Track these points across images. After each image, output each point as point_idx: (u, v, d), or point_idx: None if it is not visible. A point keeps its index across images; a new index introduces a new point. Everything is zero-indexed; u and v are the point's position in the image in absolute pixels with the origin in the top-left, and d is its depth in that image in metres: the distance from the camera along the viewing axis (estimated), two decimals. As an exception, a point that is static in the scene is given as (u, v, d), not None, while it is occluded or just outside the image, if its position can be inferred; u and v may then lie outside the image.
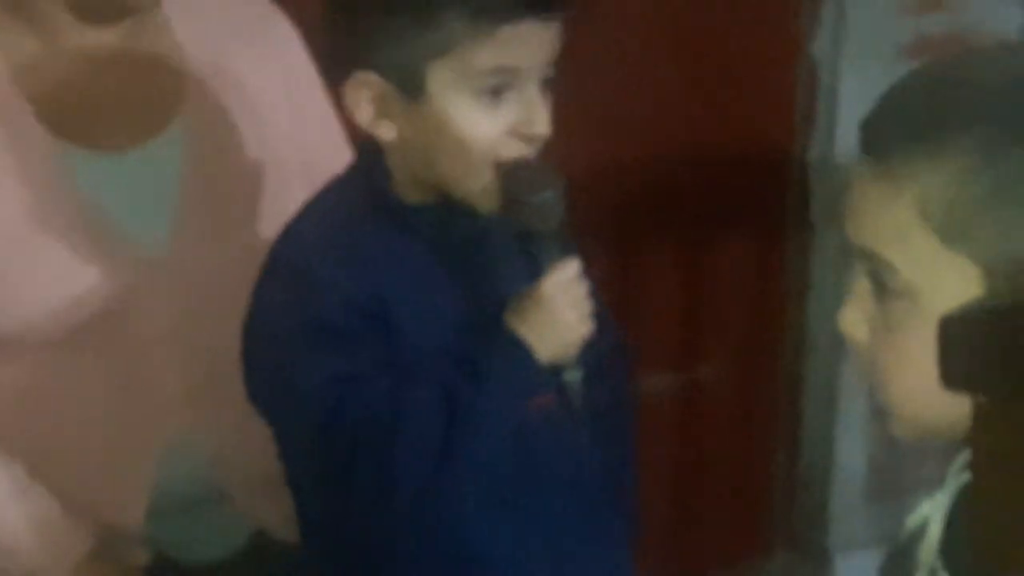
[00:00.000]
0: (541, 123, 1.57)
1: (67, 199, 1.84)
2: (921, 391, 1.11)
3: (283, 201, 1.89)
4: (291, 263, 1.64)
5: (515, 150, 1.57)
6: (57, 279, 1.83)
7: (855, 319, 1.22)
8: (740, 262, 2.92)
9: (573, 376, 1.59)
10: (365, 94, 1.58)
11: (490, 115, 1.56)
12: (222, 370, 1.80)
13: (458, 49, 1.54)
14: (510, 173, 1.57)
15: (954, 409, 1.01)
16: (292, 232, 1.67)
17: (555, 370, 1.59)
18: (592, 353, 1.61)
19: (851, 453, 2.99)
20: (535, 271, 1.59)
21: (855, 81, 2.80)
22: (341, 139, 2.01)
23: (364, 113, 1.59)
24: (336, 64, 1.62)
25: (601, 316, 1.62)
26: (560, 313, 1.57)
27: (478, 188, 1.58)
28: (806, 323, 2.96)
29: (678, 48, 2.77)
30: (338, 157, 1.96)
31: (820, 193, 2.88)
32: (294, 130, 1.97)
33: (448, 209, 1.62)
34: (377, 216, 1.62)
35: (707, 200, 2.84)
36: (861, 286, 1.21)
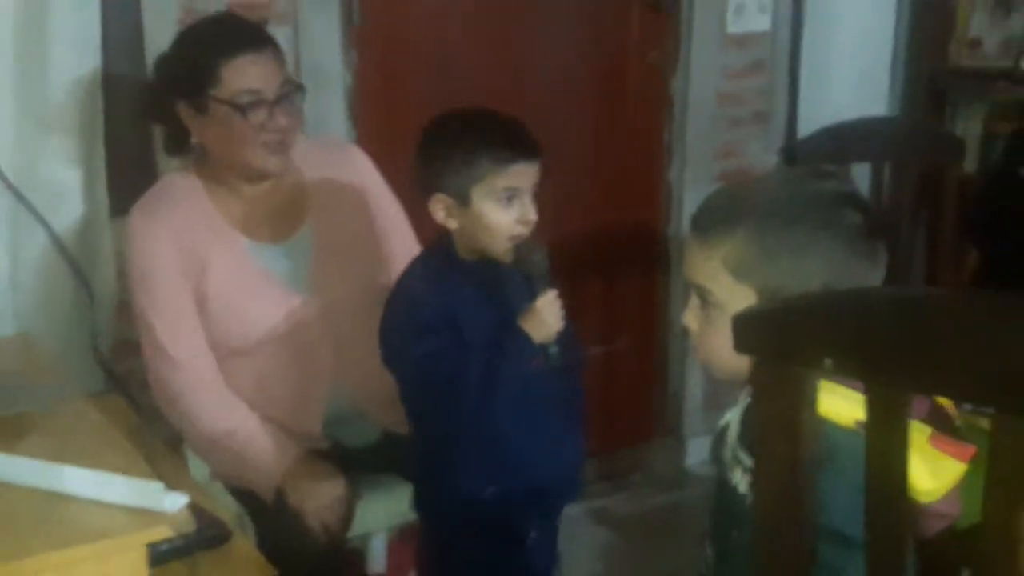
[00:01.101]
0: (532, 215, 1.59)
1: (257, 272, 1.83)
2: (725, 355, 1.10)
3: (367, 260, 1.91)
4: (406, 291, 1.66)
5: (519, 230, 1.59)
6: (255, 315, 1.82)
7: (690, 318, 1.24)
8: (633, 289, 2.85)
9: (553, 350, 1.61)
10: (439, 205, 1.60)
11: (505, 213, 1.58)
12: (353, 350, 1.84)
13: (487, 178, 1.57)
14: (519, 246, 1.60)
15: (742, 364, 0.99)
16: (405, 275, 1.70)
17: (543, 347, 1.60)
18: (562, 337, 1.62)
19: (694, 386, 2.93)
20: (532, 295, 1.60)
21: (690, 195, 2.75)
22: (402, 219, 1.97)
23: (439, 215, 1.61)
24: (423, 189, 1.62)
25: (565, 318, 1.63)
26: (547, 318, 1.59)
27: (501, 251, 1.60)
28: (669, 320, 2.88)
29: (596, 178, 2.72)
30: (398, 232, 1.96)
31: (674, 252, 2.81)
32: (371, 219, 1.93)
33: (486, 263, 1.63)
34: (449, 267, 1.64)
35: (615, 256, 2.79)
36: (693, 301, 1.24)
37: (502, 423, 1.63)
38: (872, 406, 0.89)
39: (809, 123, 2.80)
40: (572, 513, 1.90)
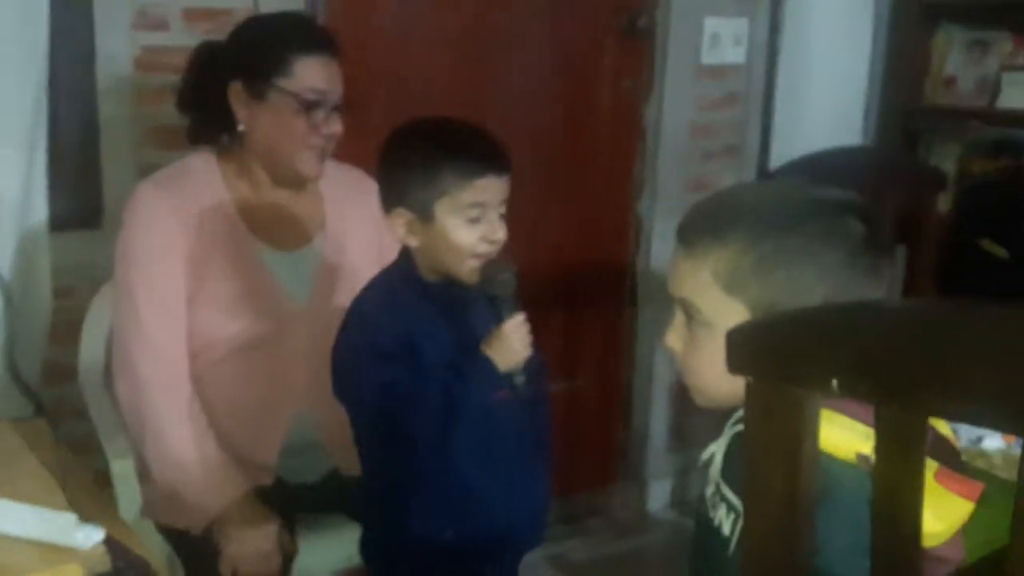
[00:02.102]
0: (500, 234, 1.52)
1: (261, 275, 1.80)
2: (714, 377, 1.05)
3: (366, 279, 1.86)
4: (362, 314, 1.56)
5: (484, 250, 1.51)
6: (251, 315, 1.78)
7: (674, 338, 1.16)
8: (599, 319, 2.82)
9: (519, 379, 1.52)
10: (400, 221, 1.52)
11: (470, 230, 1.50)
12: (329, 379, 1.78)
13: (451, 192, 1.48)
14: (486, 264, 1.51)
15: (733, 386, 0.91)
16: (362, 297, 1.60)
17: (509, 376, 1.51)
18: (529, 366, 1.53)
19: (659, 426, 2.90)
20: (498, 319, 1.52)
21: (661, 227, 2.72)
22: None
23: (399, 231, 1.53)
24: (385, 203, 1.54)
25: (533, 345, 1.53)
26: (513, 343, 1.51)
27: (466, 271, 1.52)
28: (634, 357, 2.83)
29: (563, 206, 2.72)
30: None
31: (641, 284, 2.76)
32: (378, 251, 1.86)
33: (449, 284, 1.54)
34: (409, 288, 1.55)
35: (580, 289, 2.77)
36: (678, 318, 1.15)
37: (462, 459, 1.54)
38: (883, 434, 0.81)
39: (781, 159, 2.81)
40: (528, 559, 1.77)
